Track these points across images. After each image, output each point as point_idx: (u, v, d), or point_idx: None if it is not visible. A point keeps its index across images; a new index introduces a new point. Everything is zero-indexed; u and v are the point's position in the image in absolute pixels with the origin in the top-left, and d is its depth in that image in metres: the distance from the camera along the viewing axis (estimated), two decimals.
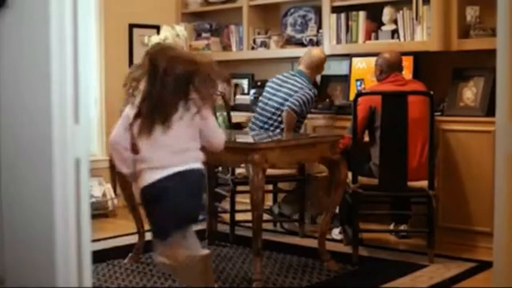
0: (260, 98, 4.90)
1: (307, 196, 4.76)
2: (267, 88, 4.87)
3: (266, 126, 4.74)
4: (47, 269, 1.91)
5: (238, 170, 4.57)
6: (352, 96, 4.73)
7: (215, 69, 3.00)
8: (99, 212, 5.34)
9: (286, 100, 4.68)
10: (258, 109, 4.86)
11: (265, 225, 4.39)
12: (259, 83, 5.56)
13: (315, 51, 4.91)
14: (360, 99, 4.18)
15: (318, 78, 5.52)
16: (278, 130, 4.68)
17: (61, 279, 2.07)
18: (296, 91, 4.69)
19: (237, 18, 5.85)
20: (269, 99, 4.80)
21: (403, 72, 4.57)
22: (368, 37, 5.09)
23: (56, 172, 1.96)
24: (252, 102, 5.45)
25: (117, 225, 5.12)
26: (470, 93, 4.57)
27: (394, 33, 4.94)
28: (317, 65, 4.84)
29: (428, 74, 4.80)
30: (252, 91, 5.57)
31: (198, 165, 2.93)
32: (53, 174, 1.96)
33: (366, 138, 4.38)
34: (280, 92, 4.76)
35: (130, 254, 4.12)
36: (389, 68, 4.39)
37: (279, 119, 4.70)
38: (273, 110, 4.75)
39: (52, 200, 1.98)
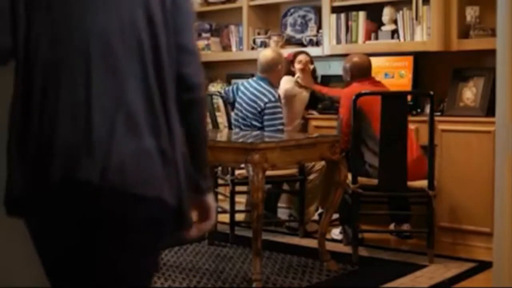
0: (238, 101, 4.83)
1: (307, 192, 4.75)
2: (240, 94, 4.81)
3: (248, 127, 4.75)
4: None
5: (238, 171, 4.57)
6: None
7: None
8: None
9: (255, 113, 4.66)
10: (237, 112, 4.83)
11: (265, 225, 4.40)
12: None
13: (262, 54, 4.84)
14: (342, 101, 4.23)
15: (318, 79, 5.53)
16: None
17: None
18: (259, 102, 4.66)
19: (237, 18, 5.84)
20: (245, 106, 4.76)
21: (403, 72, 4.60)
22: (368, 37, 5.08)
23: None
24: None
25: None
26: (470, 93, 4.57)
27: (394, 33, 4.94)
28: (270, 66, 4.74)
29: (428, 74, 4.80)
30: None
31: None
32: None
33: None
34: (249, 100, 4.73)
35: None
36: (359, 72, 4.43)
37: (258, 124, 4.69)
38: (249, 118, 4.73)
39: None
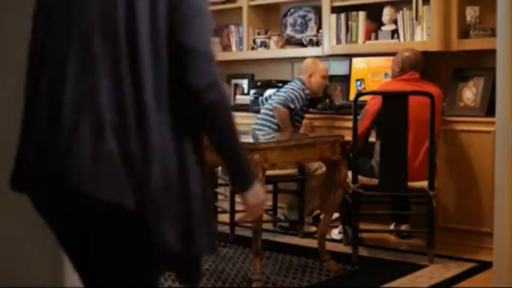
0: (268, 101, 5.02)
1: (306, 194, 4.76)
2: (273, 96, 4.99)
3: (264, 126, 4.82)
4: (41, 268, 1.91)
5: None
6: (352, 96, 4.73)
7: None
8: None
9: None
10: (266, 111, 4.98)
11: (265, 225, 4.40)
12: (259, 83, 5.55)
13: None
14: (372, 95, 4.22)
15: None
16: (274, 128, 4.76)
17: (69, 280, 2.06)
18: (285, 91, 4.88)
19: (237, 18, 5.84)
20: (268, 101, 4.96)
21: None
22: (368, 37, 5.08)
23: None
24: (252, 103, 5.45)
25: None
26: (470, 93, 4.56)
27: (394, 33, 4.94)
28: (302, 69, 4.94)
29: (428, 74, 4.79)
30: (252, 91, 5.57)
31: None
32: None
33: (372, 138, 4.39)
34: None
35: None
36: (410, 66, 4.39)
37: (274, 120, 4.81)
38: (268, 110, 4.88)
39: None
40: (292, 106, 4.75)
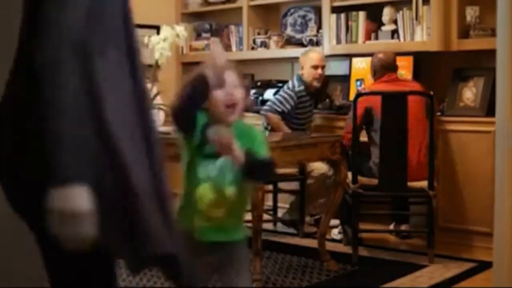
0: None
1: (307, 195, 4.75)
2: None
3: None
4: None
5: None
6: (352, 96, 4.73)
7: None
8: None
9: None
10: None
11: (265, 225, 4.40)
12: (259, 83, 5.55)
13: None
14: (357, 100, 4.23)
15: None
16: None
17: None
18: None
19: (237, 18, 5.84)
20: None
21: (402, 72, 4.60)
22: (368, 37, 5.08)
23: None
24: (252, 103, 5.46)
25: None
26: (470, 93, 4.57)
27: (394, 33, 4.94)
28: (300, 64, 4.91)
29: (428, 74, 4.80)
30: (252, 91, 5.56)
31: None
32: None
33: (364, 138, 4.39)
34: None
35: None
36: (382, 68, 4.42)
37: (264, 124, 4.88)
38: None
39: None
40: (280, 110, 4.73)
